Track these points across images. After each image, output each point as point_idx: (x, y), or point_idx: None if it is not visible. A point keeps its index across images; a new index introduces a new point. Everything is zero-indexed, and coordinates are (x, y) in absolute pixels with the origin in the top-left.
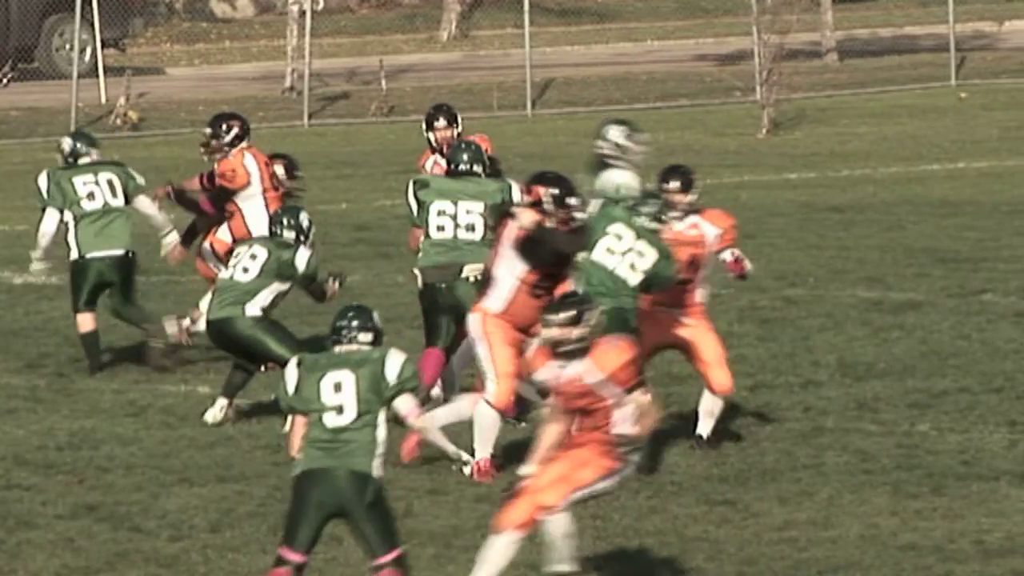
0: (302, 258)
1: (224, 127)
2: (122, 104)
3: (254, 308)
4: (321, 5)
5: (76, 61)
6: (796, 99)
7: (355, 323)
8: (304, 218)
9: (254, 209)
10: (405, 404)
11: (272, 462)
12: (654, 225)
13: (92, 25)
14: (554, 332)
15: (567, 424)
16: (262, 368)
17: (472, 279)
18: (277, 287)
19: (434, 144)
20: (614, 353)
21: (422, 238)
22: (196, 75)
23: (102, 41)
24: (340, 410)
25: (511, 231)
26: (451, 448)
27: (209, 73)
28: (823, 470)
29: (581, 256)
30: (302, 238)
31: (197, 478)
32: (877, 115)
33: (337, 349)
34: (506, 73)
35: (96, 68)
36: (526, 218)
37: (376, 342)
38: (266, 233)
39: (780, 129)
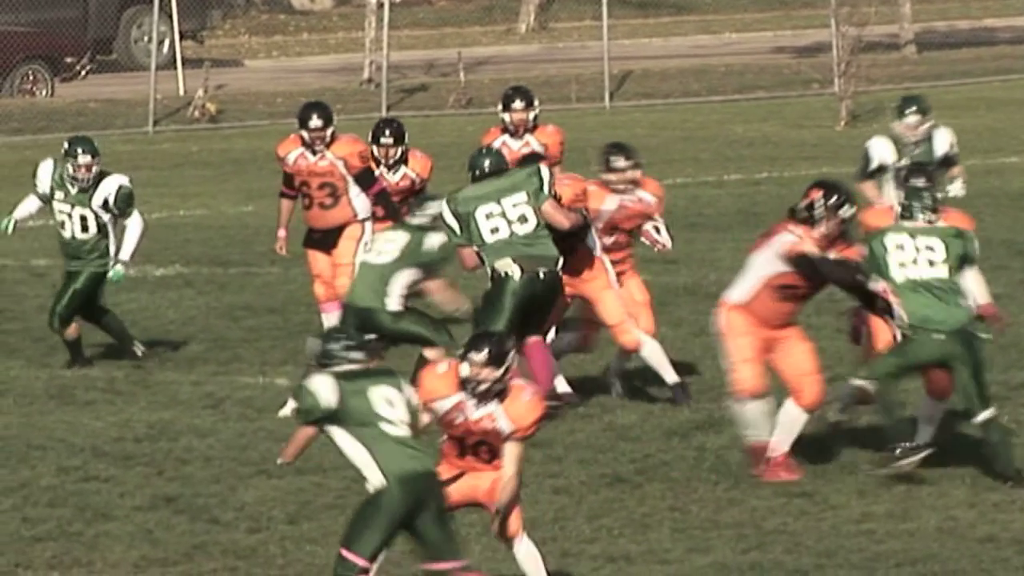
0: (435, 240)
1: (329, 116)
2: (200, 96)
3: (392, 302)
4: None
5: (154, 53)
6: (874, 91)
7: (347, 342)
8: (433, 205)
9: (356, 191)
10: None
11: None
12: (927, 216)
13: (170, 17)
14: (472, 370)
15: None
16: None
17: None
18: (413, 273)
19: (509, 125)
20: (529, 407)
21: (476, 251)
22: (274, 67)
23: (180, 33)
24: (397, 423)
25: (784, 238)
26: None
27: (287, 65)
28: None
29: (883, 289)
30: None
31: (275, 470)
32: (955, 107)
33: (335, 369)
34: (584, 65)
35: (174, 60)
36: (807, 245)
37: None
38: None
39: (858, 121)
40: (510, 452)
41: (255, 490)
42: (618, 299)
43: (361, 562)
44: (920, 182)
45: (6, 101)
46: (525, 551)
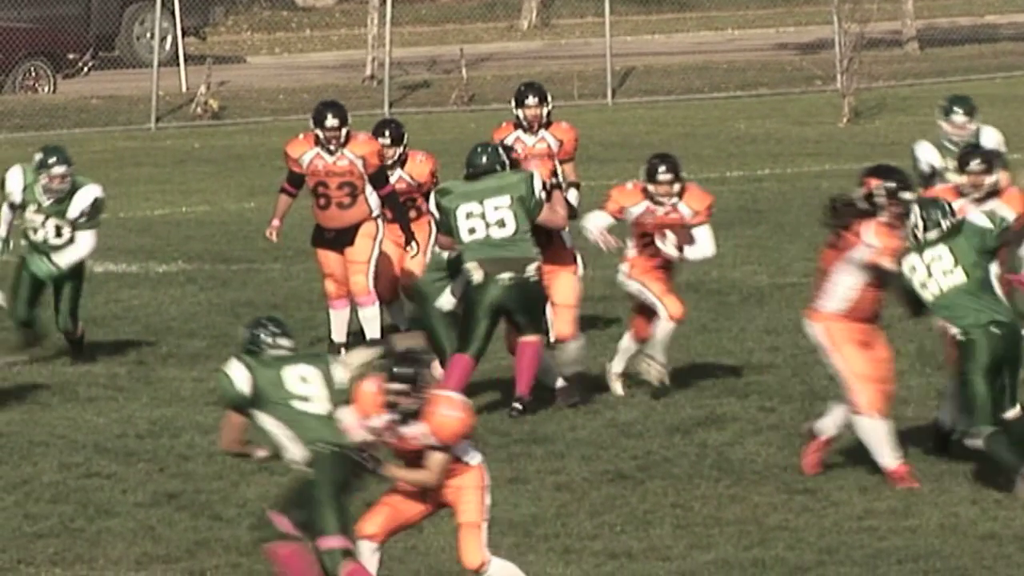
0: None
1: (345, 116)
2: (203, 93)
3: (445, 301)
4: None
5: (157, 49)
6: (877, 88)
7: (274, 329)
8: None
9: (370, 188)
10: (348, 416)
11: None
12: (947, 222)
13: (173, 13)
14: (391, 392)
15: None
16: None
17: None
18: None
19: (522, 121)
20: (453, 421)
21: (457, 244)
22: (276, 64)
23: (183, 29)
24: (313, 399)
25: (860, 250)
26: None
27: (290, 62)
28: (903, 459)
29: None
30: None
31: (277, 466)
32: None
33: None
34: (586, 62)
35: (177, 56)
36: (882, 258)
37: (293, 347)
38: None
39: (861, 118)
40: (433, 461)
41: (257, 486)
42: (575, 287)
43: (338, 542)
44: (976, 164)
45: (8, 98)
46: (497, 569)
